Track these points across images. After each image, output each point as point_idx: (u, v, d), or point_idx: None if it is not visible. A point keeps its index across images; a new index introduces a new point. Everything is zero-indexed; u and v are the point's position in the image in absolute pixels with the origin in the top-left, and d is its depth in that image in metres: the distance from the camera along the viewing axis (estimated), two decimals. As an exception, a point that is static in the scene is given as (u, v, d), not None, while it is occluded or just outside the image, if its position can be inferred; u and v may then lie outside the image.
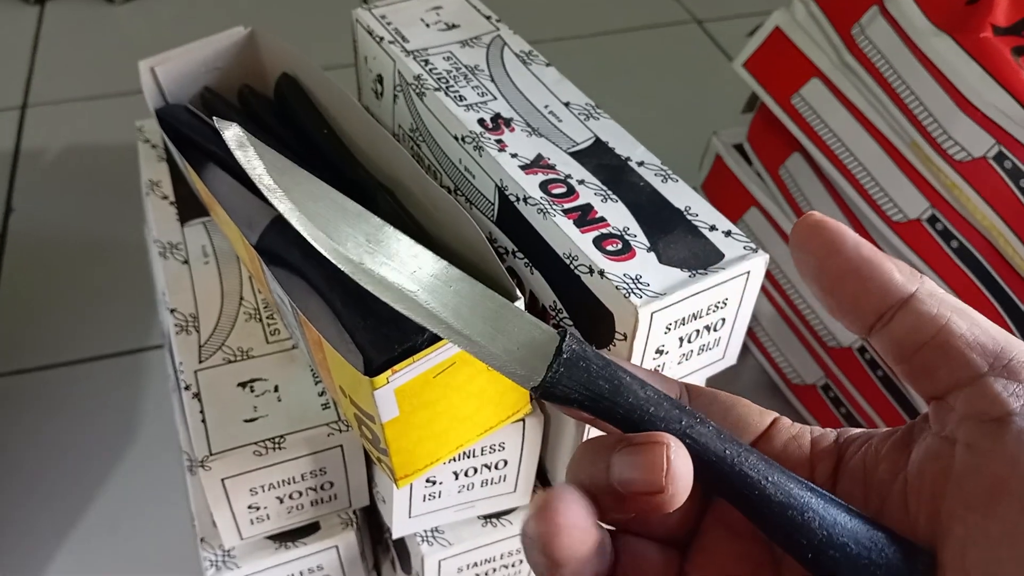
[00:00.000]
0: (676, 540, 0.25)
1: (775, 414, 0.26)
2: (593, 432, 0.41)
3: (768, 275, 0.75)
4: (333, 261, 0.25)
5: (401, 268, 0.26)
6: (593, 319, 0.39)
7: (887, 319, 0.22)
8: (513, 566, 0.51)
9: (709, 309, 0.38)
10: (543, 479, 0.49)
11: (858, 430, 0.25)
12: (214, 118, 0.29)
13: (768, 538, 0.23)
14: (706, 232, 0.39)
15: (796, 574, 0.23)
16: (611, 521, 0.24)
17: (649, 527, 0.25)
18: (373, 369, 0.35)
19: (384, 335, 0.38)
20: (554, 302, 0.41)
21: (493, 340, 0.24)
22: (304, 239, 0.44)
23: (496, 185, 0.43)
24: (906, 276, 0.22)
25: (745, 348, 0.79)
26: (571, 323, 0.41)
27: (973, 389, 0.21)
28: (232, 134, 0.26)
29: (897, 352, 0.22)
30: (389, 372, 0.34)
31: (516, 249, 0.43)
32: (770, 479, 0.22)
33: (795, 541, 0.21)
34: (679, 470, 0.21)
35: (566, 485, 0.22)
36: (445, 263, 0.27)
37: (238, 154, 0.25)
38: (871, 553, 0.21)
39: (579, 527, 0.21)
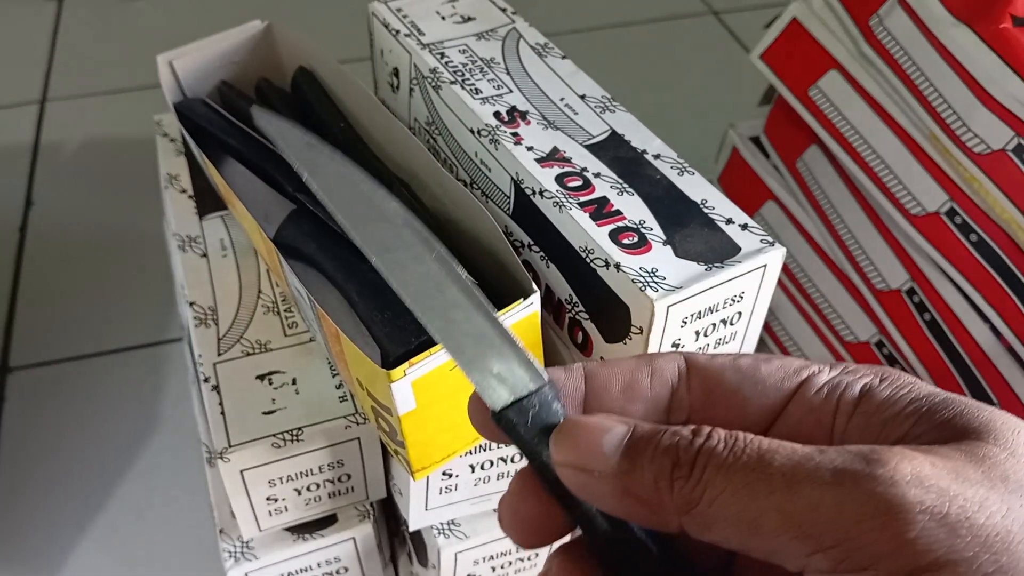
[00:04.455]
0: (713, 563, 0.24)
1: (804, 374, 0.22)
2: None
3: (785, 268, 0.74)
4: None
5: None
6: (609, 312, 0.39)
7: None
8: (529, 559, 0.51)
9: (726, 303, 0.38)
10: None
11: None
12: (254, 107, 0.29)
13: None
14: (723, 225, 0.39)
15: None
16: None
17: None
18: (390, 362, 0.35)
19: (401, 328, 0.38)
20: (570, 295, 0.41)
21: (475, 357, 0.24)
22: (321, 232, 0.45)
23: (512, 178, 0.43)
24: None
25: (762, 342, 0.79)
26: (587, 316, 0.41)
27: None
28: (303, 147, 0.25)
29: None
30: (406, 365, 0.34)
31: (532, 242, 0.43)
32: None
33: None
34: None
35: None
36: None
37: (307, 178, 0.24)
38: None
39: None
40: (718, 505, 0.19)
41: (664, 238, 0.38)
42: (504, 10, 0.53)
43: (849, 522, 0.17)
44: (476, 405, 0.22)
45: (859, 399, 0.21)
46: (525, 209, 0.43)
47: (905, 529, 0.17)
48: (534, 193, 0.42)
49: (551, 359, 0.45)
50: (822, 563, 0.18)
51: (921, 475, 0.17)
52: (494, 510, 0.48)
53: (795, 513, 0.18)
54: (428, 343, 0.36)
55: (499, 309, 0.36)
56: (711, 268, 0.37)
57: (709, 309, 0.38)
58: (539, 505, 0.22)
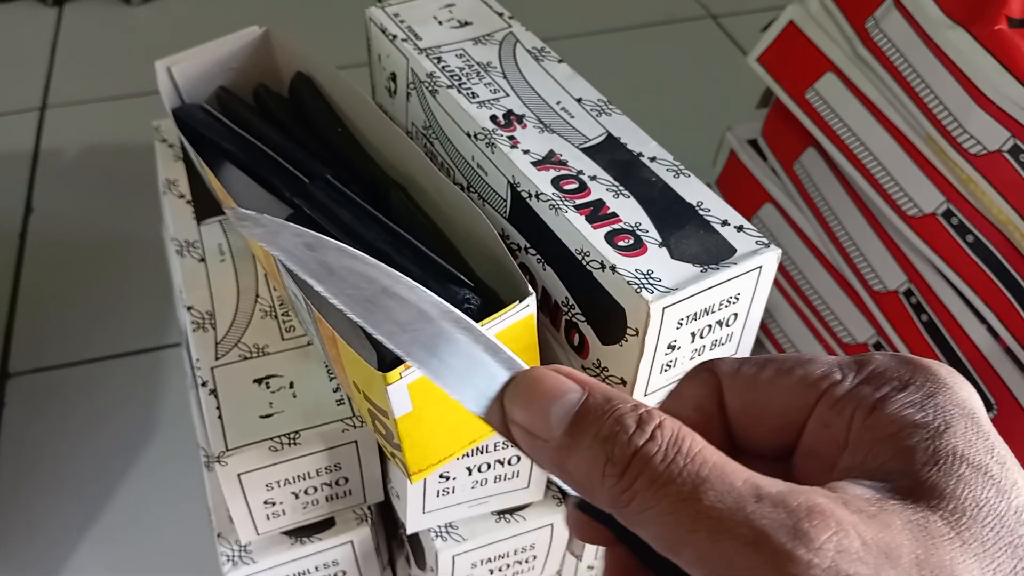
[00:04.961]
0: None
1: (824, 386, 0.21)
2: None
3: (782, 270, 0.74)
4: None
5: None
6: (605, 315, 0.39)
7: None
8: (527, 561, 0.51)
9: (721, 304, 0.38)
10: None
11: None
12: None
13: None
14: (718, 227, 0.39)
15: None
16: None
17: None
18: (386, 365, 0.35)
19: (397, 331, 0.38)
20: (566, 298, 0.42)
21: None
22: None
23: (508, 181, 0.43)
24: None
25: (759, 343, 0.79)
26: (583, 319, 0.41)
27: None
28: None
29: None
30: (402, 368, 0.34)
31: (528, 245, 0.43)
32: None
33: None
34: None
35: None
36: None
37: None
38: None
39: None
40: (643, 518, 0.18)
41: (660, 240, 0.38)
42: (501, 15, 0.53)
43: None
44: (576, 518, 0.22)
45: (870, 411, 0.20)
46: (521, 212, 0.43)
47: None
48: (530, 196, 0.42)
49: (547, 361, 0.45)
50: None
51: (845, 560, 0.16)
52: (492, 512, 0.48)
53: (710, 560, 0.17)
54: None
55: (496, 312, 0.36)
56: (707, 270, 0.37)
57: (705, 311, 0.38)
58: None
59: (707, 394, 0.22)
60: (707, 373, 0.22)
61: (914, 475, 0.18)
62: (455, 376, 0.22)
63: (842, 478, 0.19)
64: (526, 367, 0.22)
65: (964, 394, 0.20)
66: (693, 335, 0.39)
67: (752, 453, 0.22)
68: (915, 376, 0.20)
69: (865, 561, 0.16)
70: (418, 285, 0.23)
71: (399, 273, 0.23)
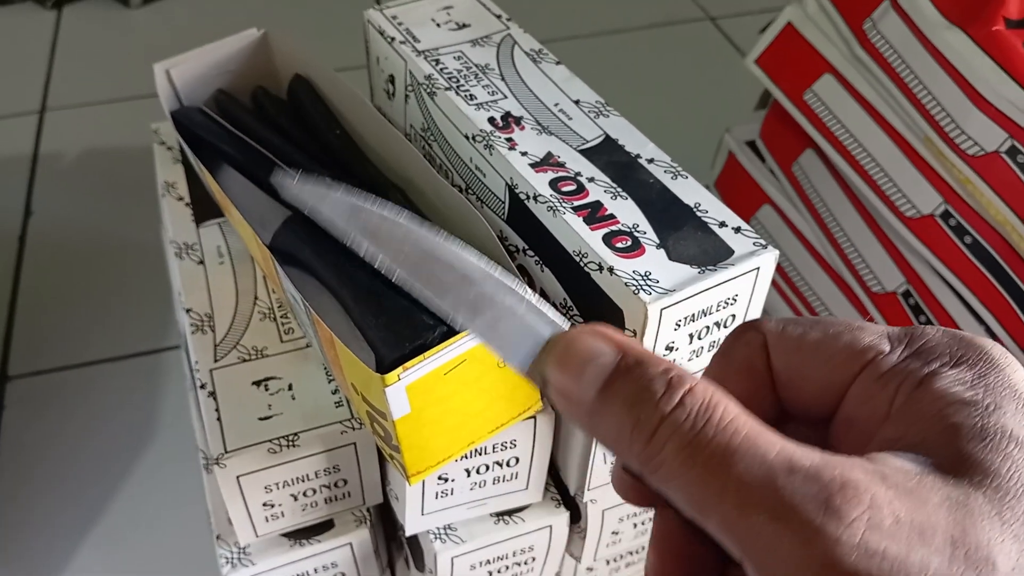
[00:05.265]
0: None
1: (870, 355, 0.20)
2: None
3: (780, 271, 0.74)
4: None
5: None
6: (603, 316, 0.39)
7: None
8: (526, 563, 0.51)
9: (719, 305, 0.38)
10: (555, 476, 0.49)
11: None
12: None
13: None
14: (716, 229, 0.39)
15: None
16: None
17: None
18: (385, 366, 0.35)
19: (395, 333, 0.39)
20: (564, 299, 0.42)
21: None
22: (316, 238, 0.45)
23: (506, 183, 0.43)
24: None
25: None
26: (582, 320, 0.41)
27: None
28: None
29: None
30: (400, 369, 0.34)
31: (527, 247, 0.43)
32: None
33: None
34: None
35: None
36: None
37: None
38: None
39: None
40: (671, 484, 0.18)
41: (657, 241, 0.38)
42: (499, 17, 0.53)
43: (781, 564, 0.16)
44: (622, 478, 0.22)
45: (917, 385, 0.19)
46: (520, 214, 0.43)
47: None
48: (528, 198, 0.42)
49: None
50: (751, 570, 0.17)
51: (876, 536, 0.16)
52: (491, 514, 0.48)
53: (736, 529, 0.17)
54: (422, 348, 0.36)
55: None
56: (704, 271, 0.37)
57: (703, 312, 0.38)
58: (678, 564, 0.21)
59: (754, 353, 0.22)
60: (752, 332, 0.22)
61: (958, 451, 0.18)
62: (499, 337, 0.22)
63: (881, 449, 0.18)
64: (566, 328, 0.21)
65: (1018, 376, 0.19)
66: (691, 336, 0.39)
67: (798, 415, 0.22)
68: (968, 354, 0.19)
69: (897, 538, 0.16)
70: (460, 249, 0.23)
71: (441, 239, 0.23)
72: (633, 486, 0.21)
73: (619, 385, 0.19)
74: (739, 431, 0.18)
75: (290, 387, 0.44)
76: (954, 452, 0.18)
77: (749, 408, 0.18)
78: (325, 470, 0.44)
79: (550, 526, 0.49)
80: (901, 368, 0.20)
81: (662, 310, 0.36)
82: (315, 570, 0.49)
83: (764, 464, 0.17)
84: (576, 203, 0.40)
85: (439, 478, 0.44)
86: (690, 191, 0.41)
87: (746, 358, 0.22)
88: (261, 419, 0.43)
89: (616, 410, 0.19)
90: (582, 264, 0.39)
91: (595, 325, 0.21)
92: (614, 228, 0.39)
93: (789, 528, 0.16)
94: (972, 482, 0.17)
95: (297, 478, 0.44)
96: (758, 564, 0.17)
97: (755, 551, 0.17)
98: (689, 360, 0.40)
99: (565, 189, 0.41)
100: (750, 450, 0.17)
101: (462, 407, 0.38)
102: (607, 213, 0.40)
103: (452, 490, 0.45)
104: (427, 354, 0.35)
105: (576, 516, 0.49)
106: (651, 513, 0.22)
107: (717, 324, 0.39)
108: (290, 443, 0.42)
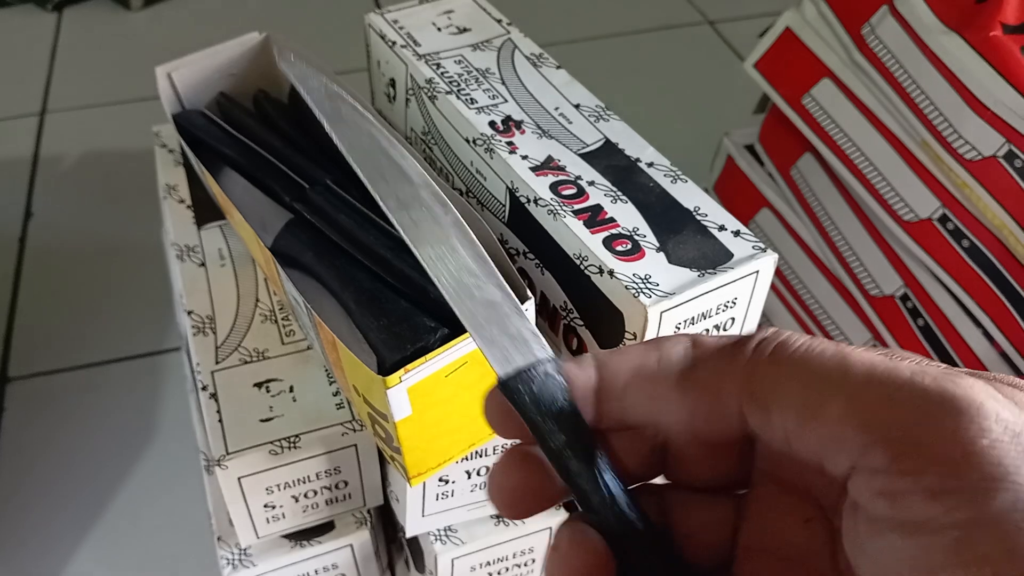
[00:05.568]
0: (726, 489, 0.22)
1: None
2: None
3: (779, 274, 0.75)
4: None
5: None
6: (603, 319, 0.39)
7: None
8: (526, 565, 0.51)
9: (718, 308, 0.39)
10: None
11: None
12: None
13: None
14: (715, 232, 0.39)
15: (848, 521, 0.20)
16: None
17: (693, 477, 0.22)
18: (386, 368, 0.36)
19: (397, 335, 0.39)
20: (565, 302, 0.42)
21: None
22: (318, 241, 0.45)
23: (507, 187, 0.43)
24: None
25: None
26: (581, 323, 0.41)
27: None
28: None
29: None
30: (402, 371, 0.34)
31: (527, 250, 0.44)
32: None
33: None
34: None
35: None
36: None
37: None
38: None
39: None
40: (784, 389, 0.18)
41: (657, 245, 0.39)
42: (499, 21, 0.53)
43: (921, 417, 0.16)
44: (494, 398, 0.21)
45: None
46: (520, 217, 0.43)
47: (979, 435, 0.16)
48: (529, 201, 0.42)
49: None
50: (879, 458, 0.17)
51: (996, 398, 0.16)
52: (491, 515, 0.49)
53: (866, 402, 0.17)
54: (423, 350, 0.36)
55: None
56: (704, 274, 0.37)
57: (702, 315, 0.38)
58: (525, 476, 0.21)
59: (676, 358, 0.23)
60: (682, 337, 0.23)
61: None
62: (492, 343, 0.22)
63: None
64: (549, 353, 0.22)
65: None
66: (690, 339, 0.39)
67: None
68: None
69: (1010, 409, 0.16)
70: (412, 157, 0.25)
71: (398, 143, 0.25)
72: (507, 410, 0.21)
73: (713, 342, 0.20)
74: (840, 345, 0.19)
75: (291, 389, 0.45)
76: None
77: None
78: (326, 471, 0.44)
79: (550, 528, 0.49)
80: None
81: (662, 313, 0.36)
82: (316, 571, 0.49)
83: (874, 356, 0.18)
84: (576, 206, 0.41)
85: (440, 480, 0.44)
86: (690, 195, 0.41)
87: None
88: (262, 421, 0.43)
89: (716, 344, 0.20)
90: (582, 267, 0.39)
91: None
92: (614, 231, 0.39)
93: (922, 384, 0.17)
94: None
95: (298, 479, 0.44)
96: (889, 426, 0.17)
97: (888, 416, 0.17)
98: (688, 363, 0.40)
99: (565, 193, 0.41)
100: (855, 350, 0.18)
101: (463, 409, 0.38)
102: (607, 217, 0.40)
103: (452, 492, 0.45)
104: (428, 356, 0.35)
105: (576, 518, 0.49)
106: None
107: (717, 327, 0.39)
108: (291, 445, 0.42)
